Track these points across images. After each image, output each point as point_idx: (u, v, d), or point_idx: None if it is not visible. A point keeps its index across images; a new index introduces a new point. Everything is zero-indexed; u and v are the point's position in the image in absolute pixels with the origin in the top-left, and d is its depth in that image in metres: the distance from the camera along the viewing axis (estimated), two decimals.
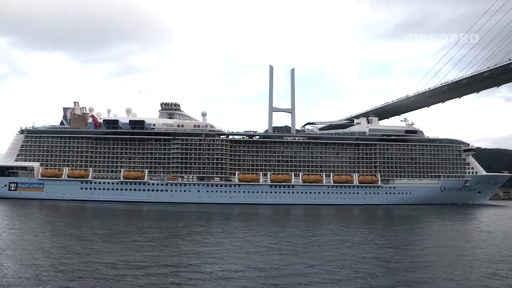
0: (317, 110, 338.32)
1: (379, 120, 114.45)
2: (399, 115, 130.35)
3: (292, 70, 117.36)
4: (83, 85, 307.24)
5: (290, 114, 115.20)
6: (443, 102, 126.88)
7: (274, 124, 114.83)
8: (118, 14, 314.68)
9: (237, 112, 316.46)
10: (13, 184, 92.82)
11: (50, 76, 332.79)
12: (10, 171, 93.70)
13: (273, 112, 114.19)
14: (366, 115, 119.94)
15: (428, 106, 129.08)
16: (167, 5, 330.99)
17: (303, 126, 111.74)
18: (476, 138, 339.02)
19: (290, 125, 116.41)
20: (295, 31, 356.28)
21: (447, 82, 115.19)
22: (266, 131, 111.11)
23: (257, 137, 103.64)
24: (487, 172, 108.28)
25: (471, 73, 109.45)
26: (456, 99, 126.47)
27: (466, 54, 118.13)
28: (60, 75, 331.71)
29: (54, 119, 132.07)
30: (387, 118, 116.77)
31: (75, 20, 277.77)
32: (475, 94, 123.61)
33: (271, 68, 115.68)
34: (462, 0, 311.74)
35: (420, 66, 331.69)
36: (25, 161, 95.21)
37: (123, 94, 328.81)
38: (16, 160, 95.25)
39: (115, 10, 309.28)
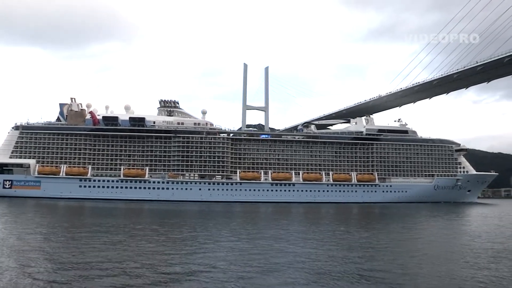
0: (292, 109, 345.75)
1: (352, 119, 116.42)
2: (371, 114, 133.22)
3: (266, 69, 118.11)
4: (64, 81, 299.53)
5: (263, 112, 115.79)
6: (414, 102, 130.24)
7: (248, 122, 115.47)
8: (96, 13, 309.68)
9: (213, 110, 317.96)
10: (7, 181, 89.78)
11: (24, 71, 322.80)
12: (4, 168, 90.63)
13: (247, 110, 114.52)
14: (339, 114, 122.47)
15: (400, 106, 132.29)
16: (143, 5, 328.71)
17: (302, 125, 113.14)
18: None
19: (263, 123, 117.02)
20: (274, 33, 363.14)
21: (419, 82, 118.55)
22: (240, 128, 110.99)
23: (264, 135, 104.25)
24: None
25: (441, 75, 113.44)
26: (427, 100, 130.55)
27: (434, 58, 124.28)
28: (34, 71, 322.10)
29: (49, 115, 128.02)
30: (360, 117, 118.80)
31: (53, 16, 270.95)
32: (444, 95, 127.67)
33: (245, 66, 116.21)
34: (430, 9, 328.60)
35: (394, 68, 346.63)
36: (21, 158, 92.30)
37: (103, 91, 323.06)
38: (10, 157, 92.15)
39: (94, 9, 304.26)
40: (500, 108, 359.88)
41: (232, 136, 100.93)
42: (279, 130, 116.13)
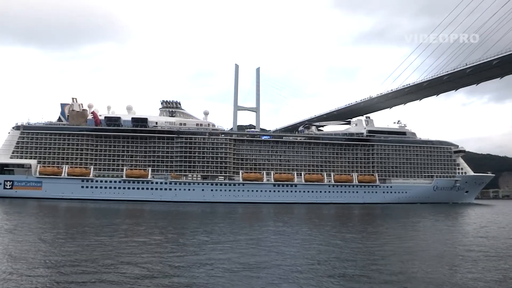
0: (283, 110, 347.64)
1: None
2: (362, 115, 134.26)
3: (258, 69, 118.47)
4: (63, 81, 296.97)
5: (255, 113, 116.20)
6: (405, 104, 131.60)
7: (239, 123, 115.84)
8: (91, 14, 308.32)
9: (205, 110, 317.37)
10: (8, 182, 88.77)
11: (22, 71, 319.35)
12: (5, 168, 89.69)
13: (238, 111, 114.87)
14: (330, 115, 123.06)
15: (390, 107, 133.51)
16: (137, 7, 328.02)
17: (303, 126, 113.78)
18: None
19: (254, 124, 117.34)
20: (266, 35, 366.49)
21: (409, 84, 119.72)
22: (231, 129, 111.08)
23: (266, 136, 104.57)
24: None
25: (432, 76, 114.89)
26: (417, 101, 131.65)
27: (424, 60, 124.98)
28: (33, 71, 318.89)
29: (50, 115, 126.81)
30: (351, 118, 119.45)
31: (48, 17, 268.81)
32: (434, 97, 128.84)
33: (237, 66, 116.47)
34: (420, 13, 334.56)
35: (385, 71, 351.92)
36: (21, 158, 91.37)
37: (102, 91, 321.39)
38: (11, 157, 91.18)
39: (89, 10, 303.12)
40: (488, 110, 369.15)
41: (234, 137, 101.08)
42: (270, 130, 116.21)
